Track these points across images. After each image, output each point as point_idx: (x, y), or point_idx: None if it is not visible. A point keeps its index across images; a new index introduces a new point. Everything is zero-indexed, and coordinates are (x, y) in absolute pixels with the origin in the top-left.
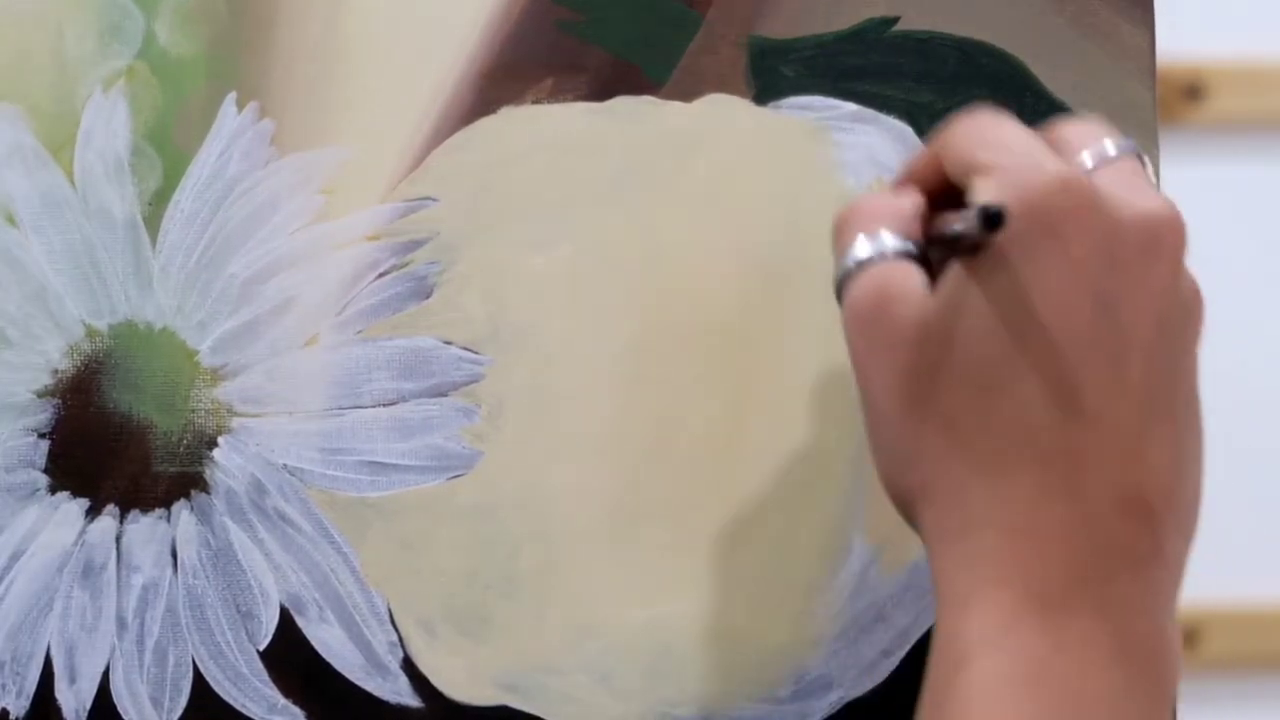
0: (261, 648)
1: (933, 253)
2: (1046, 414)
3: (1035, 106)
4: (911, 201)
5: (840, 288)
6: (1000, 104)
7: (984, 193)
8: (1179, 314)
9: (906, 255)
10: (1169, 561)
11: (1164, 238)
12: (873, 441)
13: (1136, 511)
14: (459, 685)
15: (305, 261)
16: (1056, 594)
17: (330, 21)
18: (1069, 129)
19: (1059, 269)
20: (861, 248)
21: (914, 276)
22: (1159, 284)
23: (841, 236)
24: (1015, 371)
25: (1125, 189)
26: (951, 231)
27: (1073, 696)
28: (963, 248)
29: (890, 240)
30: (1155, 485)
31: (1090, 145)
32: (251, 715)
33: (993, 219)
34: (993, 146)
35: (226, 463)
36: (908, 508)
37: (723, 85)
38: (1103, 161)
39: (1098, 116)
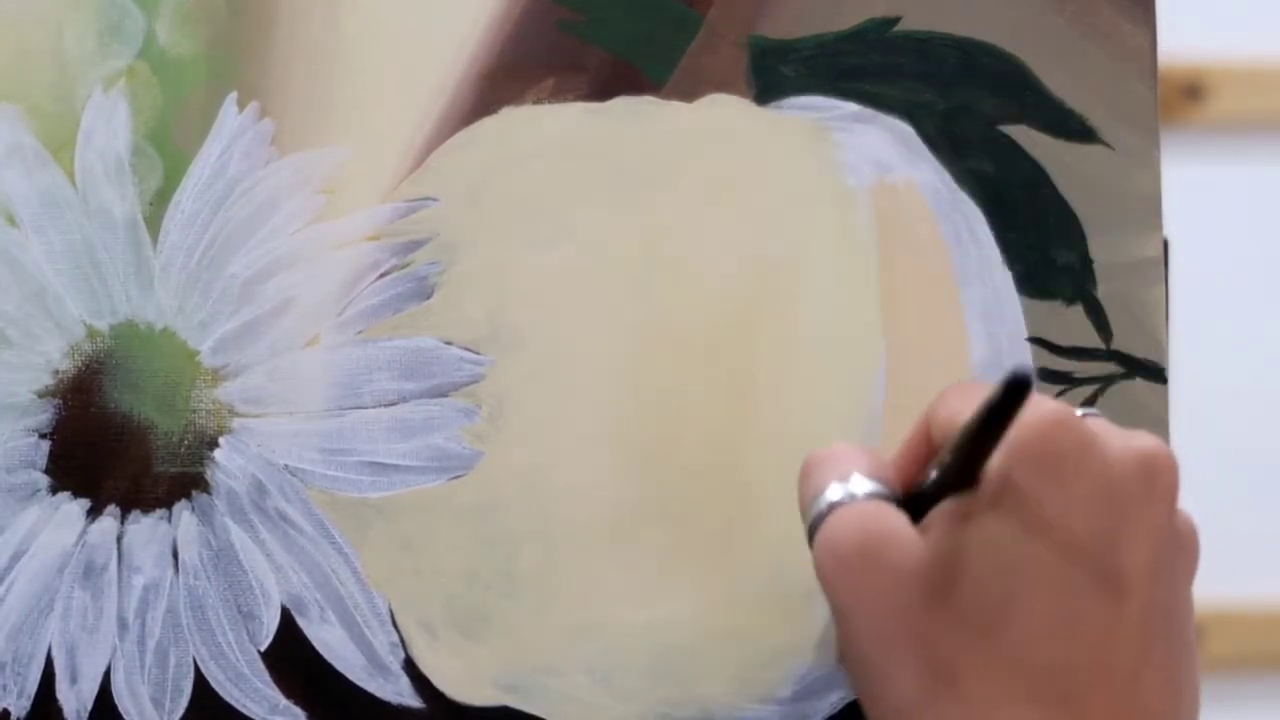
0: (263, 648)
1: (913, 504)
2: (1046, 654)
3: (1036, 106)
4: (885, 453)
5: (813, 529)
6: (1000, 104)
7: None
8: (1174, 552)
9: (881, 498)
10: None
11: (1157, 474)
12: (854, 679)
13: None
14: (460, 686)
15: (306, 262)
16: None
17: (330, 21)
18: (1038, 398)
19: (1058, 508)
20: (835, 490)
21: (899, 518)
22: (1155, 522)
23: (810, 480)
24: (1016, 613)
25: (1117, 430)
26: (958, 443)
27: None
28: (952, 486)
29: (862, 483)
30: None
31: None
32: (252, 716)
33: (1019, 383)
34: (979, 399)
35: (227, 463)
36: None
37: (723, 85)
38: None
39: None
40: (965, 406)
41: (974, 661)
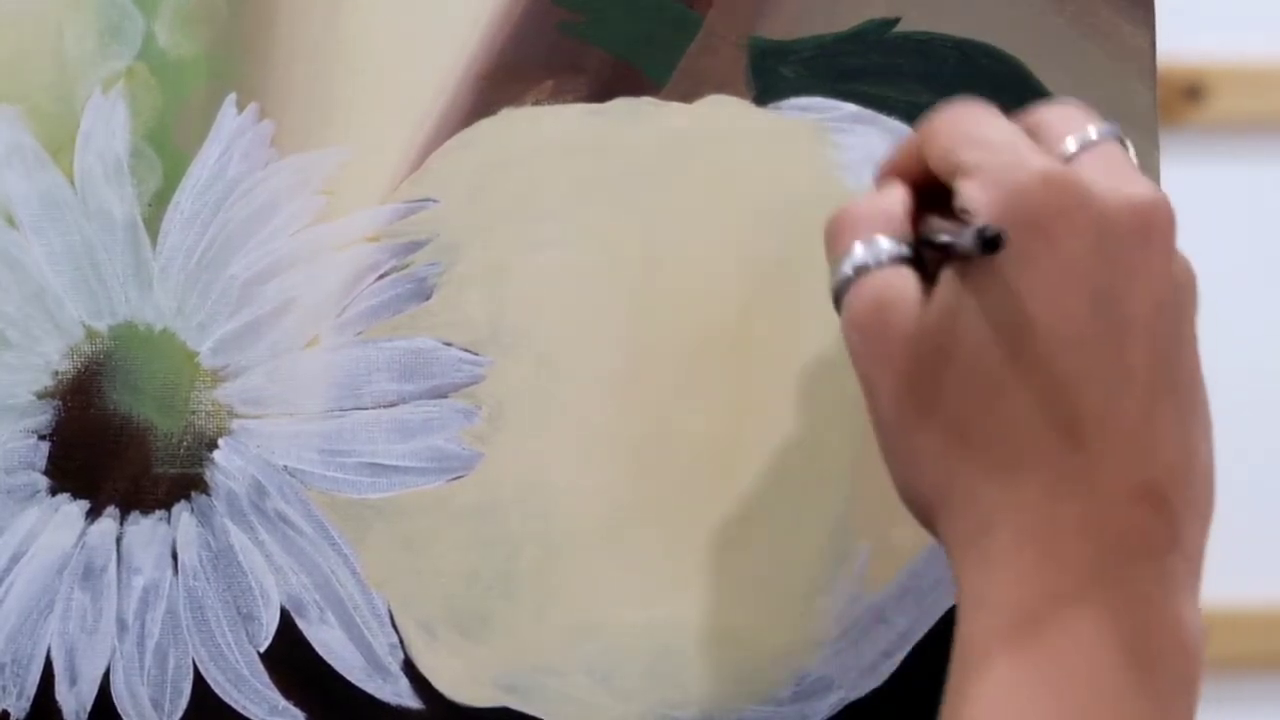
0: (262, 649)
1: (926, 252)
2: (1051, 413)
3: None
4: (901, 201)
5: (838, 296)
6: (1000, 105)
7: (969, 197)
8: (1174, 298)
9: (902, 260)
10: (1187, 549)
11: (1153, 224)
12: (884, 450)
13: (1149, 501)
14: (459, 686)
15: (305, 263)
16: (1072, 591)
17: (330, 22)
18: (1049, 114)
19: (1052, 268)
20: (859, 254)
21: (909, 283)
22: (1152, 271)
23: (837, 243)
24: (1017, 373)
25: (1110, 177)
26: (945, 242)
27: (1091, 694)
28: (955, 256)
29: (886, 245)
30: (1166, 473)
31: (1072, 131)
32: (252, 717)
33: (990, 242)
34: (975, 144)
35: (227, 464)
36: (924, 514)
37: (723, 86)
38: (1084, 147)
39: (1077, 101)
40: (956, 145)
41: (982, 422)
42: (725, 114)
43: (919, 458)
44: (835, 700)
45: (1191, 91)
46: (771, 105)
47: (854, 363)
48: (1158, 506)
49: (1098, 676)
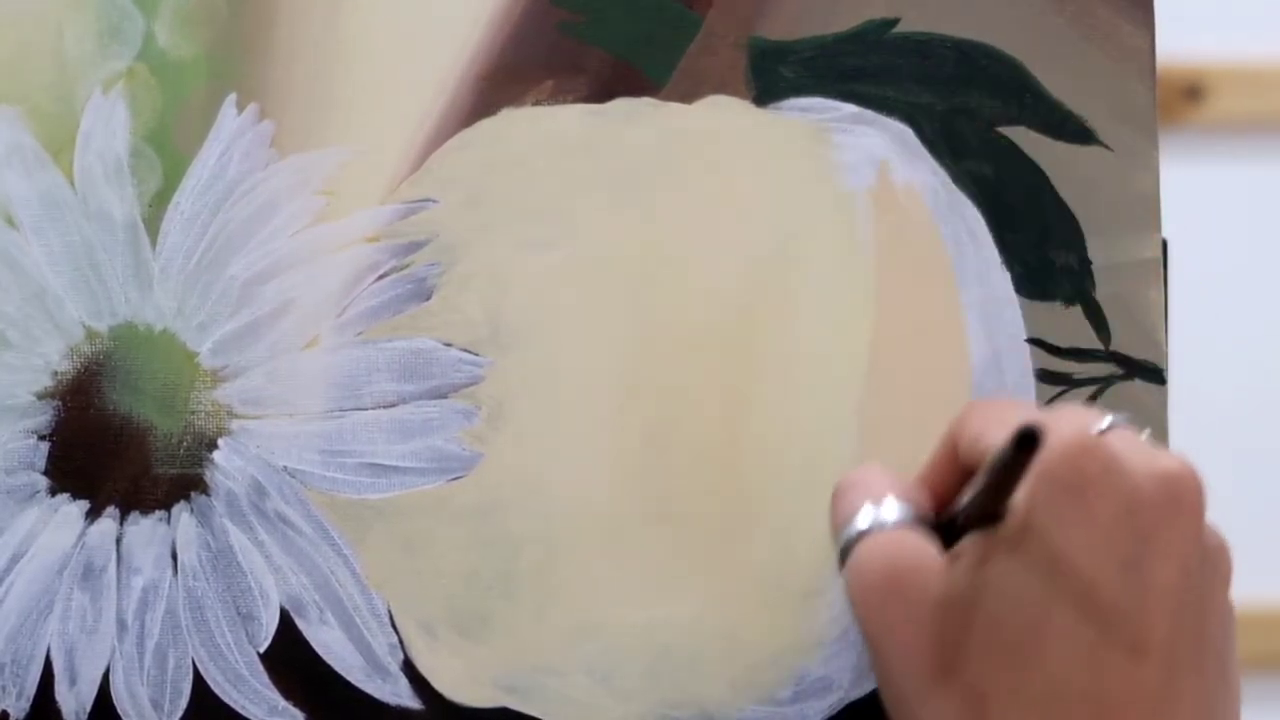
0: (262, 650)
1: (943, 533)
2: (1077, 680)
3: (1035, 107)
4: (915, 476)
5: (844, 554)
6: (999, 105)
7: (1001, 447)
8: (1202, 568)
9: (913, 524)
10: None
11: (1184, 495)
12: (892, 710)
13: None
14: (459, 687)
15: (305, 263)
16: None
17: (330, 22)
18: (1064, 409)
19: (1084, 534)
20: (866, 515)
21: (928, 547)
22: (1181, 542)
23: (844, 502)
24: (1045, 640)
25: (1140, 449)
26: (979, 485)
27: None
28: (986, 510)
29: (896, 507)
30: None
31: (1090, 420)
32: (251, 717)
33: (1027, 438)
34: (1005, 422)
35: (226, 465)
36: None
37: (723, 87)
38: (1107, 428)
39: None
40: (988, 427)
41: (1004, 688)
42: (725, 114)
43: (941, 717)
44: (835, 700)
45: (1191, 91)
46: (771, 105)
47: (863, 624)
48: None
49: None
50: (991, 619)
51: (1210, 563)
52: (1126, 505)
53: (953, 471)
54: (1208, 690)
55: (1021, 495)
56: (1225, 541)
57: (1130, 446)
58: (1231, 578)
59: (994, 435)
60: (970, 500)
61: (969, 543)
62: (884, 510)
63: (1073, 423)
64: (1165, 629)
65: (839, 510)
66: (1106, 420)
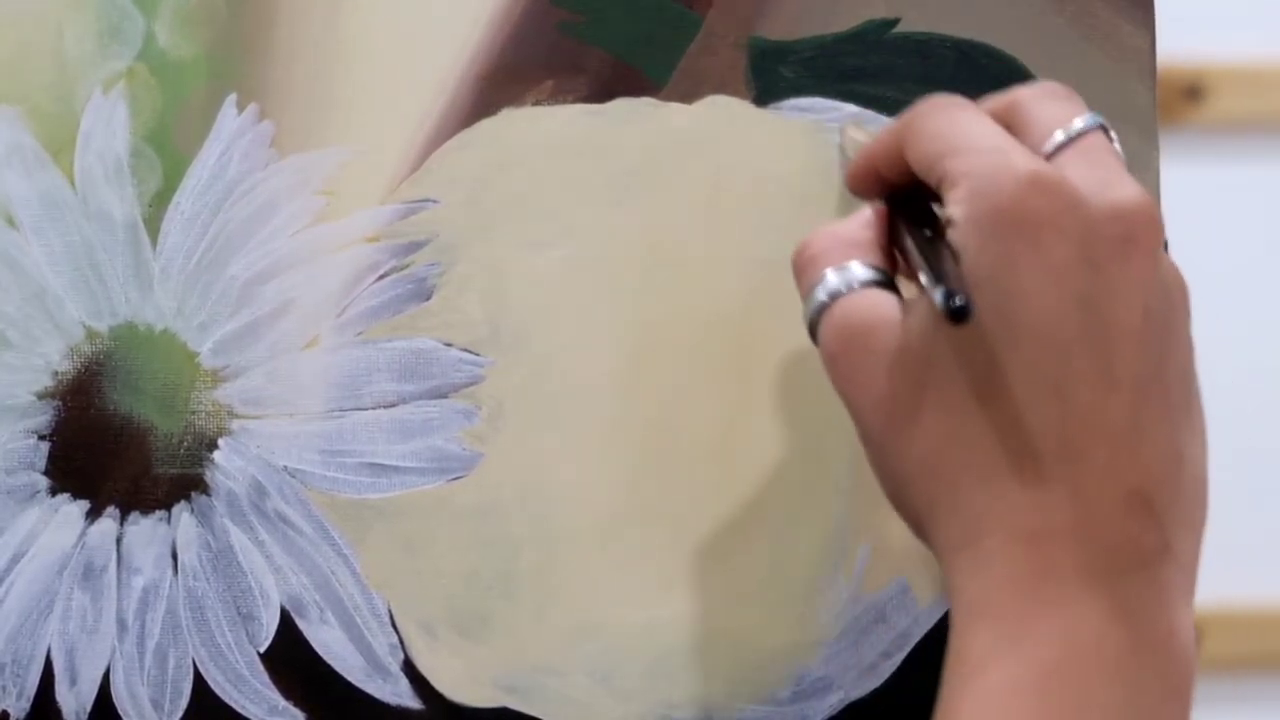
0: (262, 649)
1: (901, 266)
2: (1036, 419)
3: None
4: (870, 226)
5: (814, 324)
6: None
7: (954, 206)
8: (1162, 302)
9: (876, 284)
10: (1179, 557)
11: (1139, 228)
12: (875, 469)
13: (1140, 507)
14: (459, 687)
15: (305, 263)
16: (1066, 598)
17: (330, 22)
18: (1033, 103)
19: (1036, 274)
20: (832, 280)
21: (885, 303)
22: (1139, 276)
23: (808, 273)
24: (1003, 382)
25: (1096, 178)
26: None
27: (1084, 704)
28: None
29: (860, 271)
30: (1156, 480)
31: (1058, 124)
32: (251, 717)
33: (957, 313)
34: (958, 150)
35: (227, 464)
36: (916, 524)
37: (723, 87)
38: (1069, 140)
39: (1061, 86)
40: (946, 151)
41: (967, 430)
42: (725, 114)
43: (907, 469)
44: (835, 700)
45: (1191, 91)
46: (771, 105)
47: (835, 384)
48: (1147, 515)
49: (1090, 690)
50: (946, 366)
51: (1169, 296)
52: (1081, 242)
53: (901, 168)
54: (1174, 421)
55: (972, 237)
56: (1182, 275)
57: (1087, 172)
58: (1190, 311)
59: (947, 164)
60: (918, 254)
61: (923, 293)
62: (845, 275)
63: (1024, 158)
64: (1130, 363)
65: (803, 280)
66: (1077, 122)
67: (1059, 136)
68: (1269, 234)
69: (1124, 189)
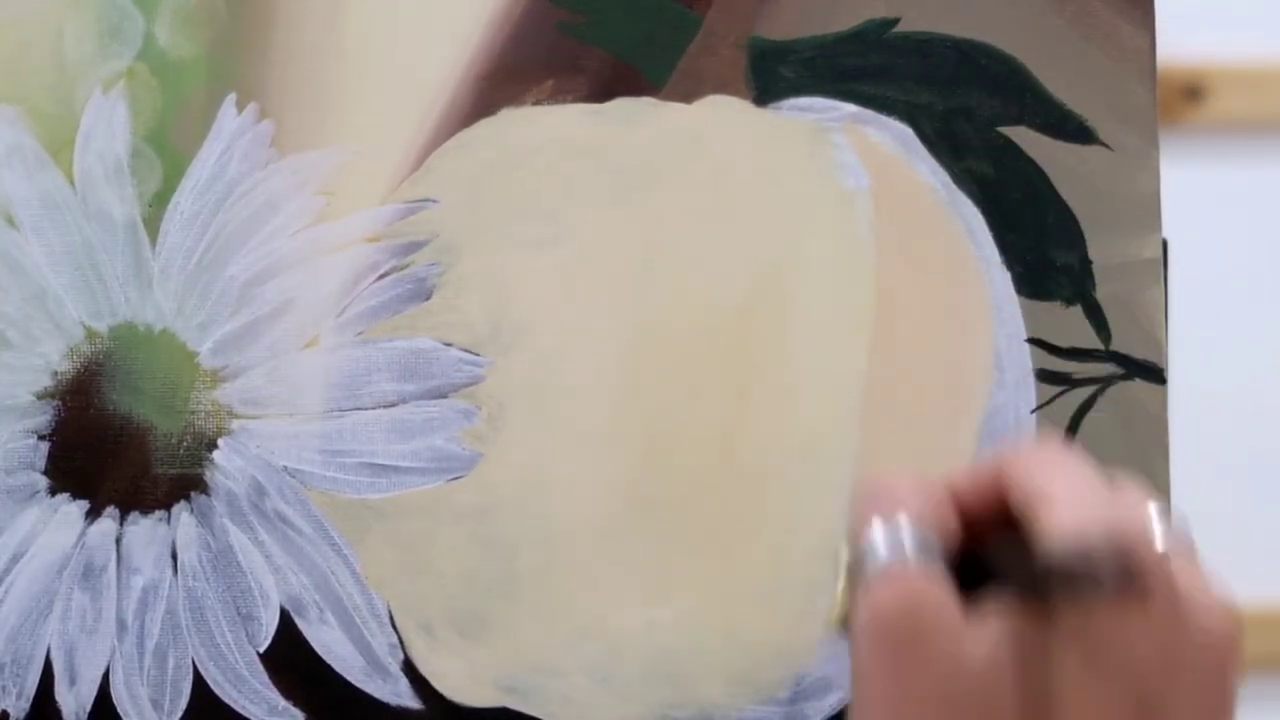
0: (262, 649)
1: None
2: None
3: (1035, 107)
4: (940, 489)
5: (851, 578)
6: (999, 105)
7: (1071, 528)
8: (1222, 713)
9: (932, 558)
10: None
11: (1220, 641)
12: None
13: None
14: (459, 687)
15: (305, 263)
16: None
17: (330, 23)
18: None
19: (1128, 642)
20: (877, 537)
21: (948, 600)
22: (1204, 695)
23: (861, 514)
24: None
25: (1198, 583)
26: (1062, 560)
27: None
28: (1047, 584)
29: (908, 533)
30: None
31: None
32: (251, 717)
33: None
34: (1076, 503)
35: (226, 464)
36: None
37: (723, 87)
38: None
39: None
40: (1057, 496)
41: None
42: (725, 114)
43: None
44: (835, 700)
45: (1191, 91)
46: (771, 105)
47: (858, 665)
48: None
49: None
50: (1006, 702)
51: (1228, 707)
52: (1171, 636)
53: (986, 499)
54: None
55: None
56: (1240, 676)
57: (1191, 574)
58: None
59: (1060, 515)
60: (1015, 566)
61: (998, 614)
62: (900, 533)
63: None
64: None
65: (854, 521)
66: (1160, 534)
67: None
68: (1269, 234)
69: (1212, 596)
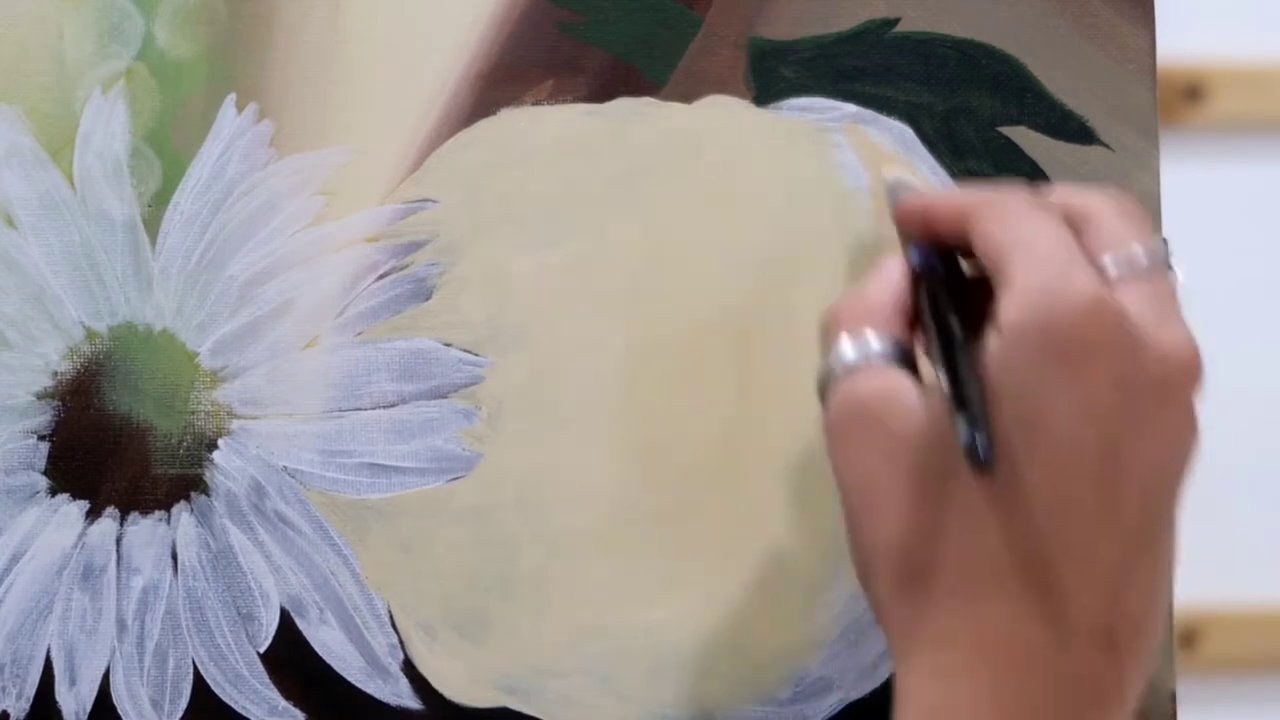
0: (262, 650)
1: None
2: (1036, 544)
3: (1035, 107)
4: (895, 293)
5: (822, 391)
6: (1000, 105)
7: (1006, 308)
8: (1180, 457)
9: (892, 358)
10: (1127, 700)
11: (1181, 375)
12: (852, 547)
13: (1107, 646)
14: (459, 687)
15: (305, 263)
16: None
17: (330, 23)
18: (1106, 220)
19: (1072, 405)
20: (846, 350)
21: (901, 388)
22: (1167, 428)
23: (826, 337)
24: (1010, 499)
25: (1152, 314)
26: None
27: None
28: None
29: (875, 344)
30: (1128, 623)
31: (1123, 245)
32: (251, 717)
33: (977, 463)
34: (1028, 250)
35: (226, 465)
36: (883, 612)
37: (723, 87)
38: (1132, 272)
39: (1129, 199)
40: (1008, 243)
41: (965, 539)
42: (725, 114)
43: (888, 556)
44: (835, 700)
45: (1191, 91)
46: (771, 105)
47: (832, 455)
48: (1112, 654)
49: None
50: (955, 465)
51: (1187, 452)
52: (1121, 380)
53: (957, 234)
54: (1159, 570)
55: (1015, 347)
56: (1199, 426)
57: (1143, 309)
58: (1194, 469)
59: (1012, 260)
60: (944, 363)
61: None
62: (861, 346)
63: (1087, 281)
64: (1135, 513)
65: (823, 344)
66: (1142, 249)
67: (1124, 263)
68: (1269, 234)
69: (1177, 331)
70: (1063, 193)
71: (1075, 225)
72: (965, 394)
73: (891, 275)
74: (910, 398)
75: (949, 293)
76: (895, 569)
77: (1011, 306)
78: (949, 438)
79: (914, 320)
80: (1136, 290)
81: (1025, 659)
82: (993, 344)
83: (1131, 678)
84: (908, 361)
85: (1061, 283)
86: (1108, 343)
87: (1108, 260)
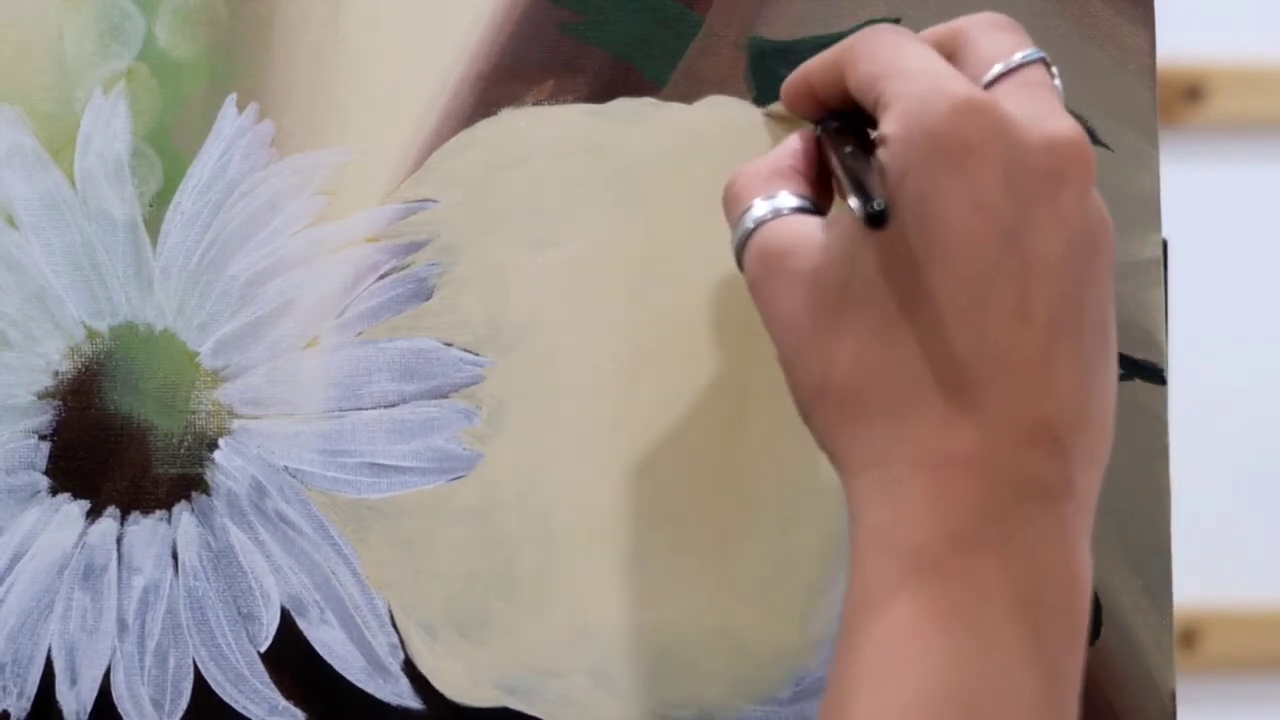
0: (262, 649)
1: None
2: (951, 346)
3: None
4: (798, 156)
5: (740, 254)
6: None
7: (886, 125)
8: (1085, 240)
9: (804, 210)
10: (1079, 494)
11: (1069, 162)
12: (790, 387)
13: (1044, 441)
14: (460, 687)
15: (305, 263)
16: (968, 532)
17: (330, 23)
18: (975, 32)
19: (962, 201)
20: (759, 209)
21: (808, 225)
22: (1064, 212)
23: (735, 206)
24: (918, 306)
25: (1031, 110)
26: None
27: (987, 645)
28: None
29: (788, 199)
30: (1062, 414)
31: (998, 57)
32: (252, 717)
33: (874, 218)
34: (895, 73)
35: (227, 464)
36: (826, 444)
37: (723, 87)
38: (1009, 71)
39: (1001, 17)
40: (883, 73)
41: (873, 362)
42: (725, 114)
43: (820, 386)
44: None
45: (1191, 91)
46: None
47: (757, 306)
48: (1052, 448)
49: (990, 627)
50: (863, 287)
51: (1092, 235)
52: (1009, 172)
53: (838, 90)
54: (1086, 359)
55: (901, 156)
56: (1106, 215)
57: (1022, 102)
58: (1113, 252)
59: (883, 86)
60: (842, 169)
61: (846, 211)
62: (774, 203)
63: (960, 83)
64: (1046, 298)
65: (733, 212)
66: (1018, 54)
67: (999, 67)
68: (1269, 234)
69: (1058, 122)
70: (932, 29)
71: (948, 50)
72: (864, 180)
73: (793, 142)
74: (813, 233)
75: (858, 144)
76: (827, 400)
77: (892, 122)
78: (854, 260)
79: (820, 185)
80: (1012, 91)
81: (964, 464)
82: (882, 159)
83: (1080, 471)
84: (819, 214)
85: (935, 91)
86: (990, 138)
87: (984, 72)
